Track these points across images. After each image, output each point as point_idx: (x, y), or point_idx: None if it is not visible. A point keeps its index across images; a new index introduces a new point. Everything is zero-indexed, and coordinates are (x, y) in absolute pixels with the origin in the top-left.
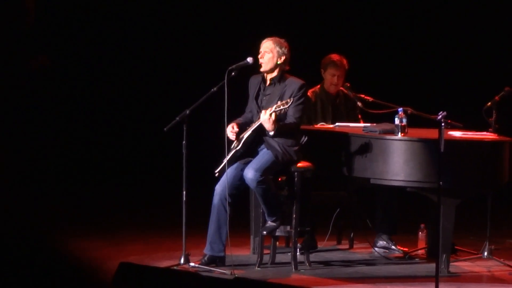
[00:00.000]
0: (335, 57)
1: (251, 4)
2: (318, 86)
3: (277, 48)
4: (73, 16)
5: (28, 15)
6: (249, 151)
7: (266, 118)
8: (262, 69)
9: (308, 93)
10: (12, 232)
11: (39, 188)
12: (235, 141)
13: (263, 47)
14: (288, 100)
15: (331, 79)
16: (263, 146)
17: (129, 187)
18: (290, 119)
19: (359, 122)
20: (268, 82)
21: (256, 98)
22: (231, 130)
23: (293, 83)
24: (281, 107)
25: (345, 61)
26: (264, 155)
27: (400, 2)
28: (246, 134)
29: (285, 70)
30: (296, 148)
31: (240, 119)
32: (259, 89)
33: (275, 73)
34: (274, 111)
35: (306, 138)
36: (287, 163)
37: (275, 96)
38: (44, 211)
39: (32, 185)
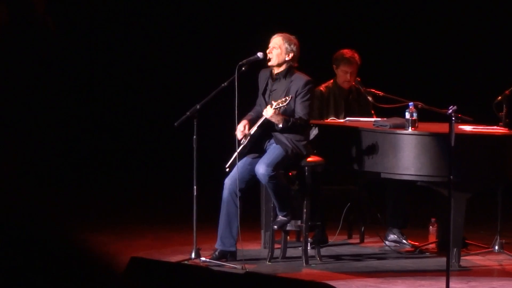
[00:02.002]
0: (347, 53)
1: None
2: (331, 80)
3: (286, 45)
4: (87, 10)
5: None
6: (256, 146)
7: (270, 113)
8: (269, 64)
9: (321, 88)
10: (21, 226)
11: (49, 182)
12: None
13: (272, 42)
14: (287, 98)
15: (344, 76)
16: (272, 141)
17: (140, 181)
18: (298, 115)
19: (373, 118)
20: (274, 77)
21: (264, 93)
22: (241, 130)
23: (299, 79)
24: (280, 105)
25: (357, 56)
26: (274, 150)
27: None
28: (252, 130)
29: (293, 66)
30: (304, 142)
31: (251, 114)
32: (267, 84)
33: (281, 69)
34: (275, 108)
35: (317, 130)
36: (297, 157)
37: (281, 91)
38: (54, 205)
39: (42, 179)
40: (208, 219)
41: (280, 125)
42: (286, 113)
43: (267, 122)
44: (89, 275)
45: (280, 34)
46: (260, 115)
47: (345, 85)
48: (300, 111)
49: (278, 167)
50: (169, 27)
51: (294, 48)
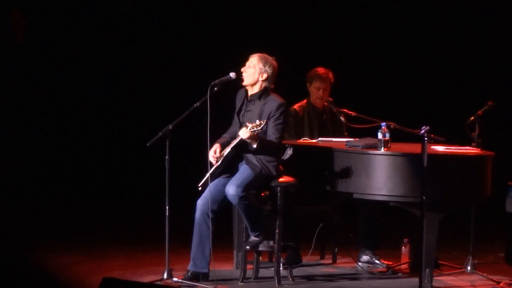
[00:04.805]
0: (320, 70)
1: (235, 19)
2: (305, 100)
3: (260, 65)
4: (55, 39)
5: (16, 33)
6: (229, 167)
7: (247, 135)
8: (242, 83)
9: (296, 107)
10: None
11: (21, 202)
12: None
13: (248, 61)
14: (262, 122)
15: (316, 92)
16: (243, 162)
17: (112, 202)
18: (271, 138)
19: (345, 138)
20: (249, 98)
21: (239, 112)
22: (212, 155)
23: (272, 102)
24: (255, 129)
25: (330, 74)
26: (244, 171)
27: (382, 18)
28: (226, 151)
29: (269, 87)
30: (275, 163)
31: (226, 136)
32: (243, 104)
33: (255, 90)
34: (250, 131)
35: (291, 150)
36: (267, 177)
37: (254, 113)
38: (25, 225)
39: (14, 199)
40: (181, 240)
41: (254, 146)
42: (260, 134)
43: (241, 143)
44: None
45: (258, 54)
46: (235, 136)
47: (318, 102)
48: (272, 134)
49: (248, 188)
50: (141, 47)
51: (269, 69)
